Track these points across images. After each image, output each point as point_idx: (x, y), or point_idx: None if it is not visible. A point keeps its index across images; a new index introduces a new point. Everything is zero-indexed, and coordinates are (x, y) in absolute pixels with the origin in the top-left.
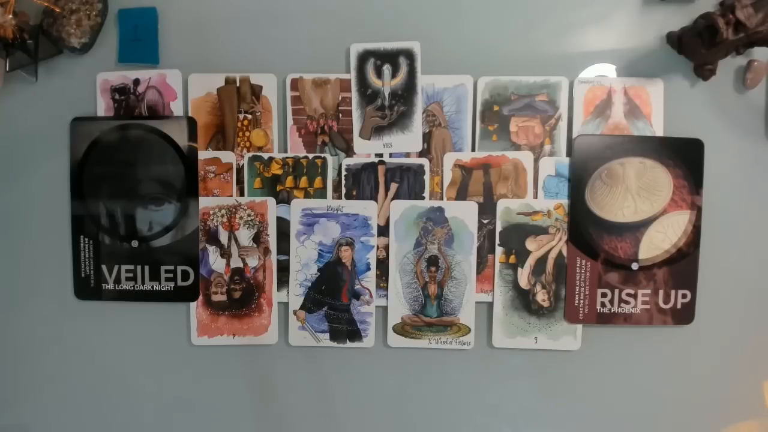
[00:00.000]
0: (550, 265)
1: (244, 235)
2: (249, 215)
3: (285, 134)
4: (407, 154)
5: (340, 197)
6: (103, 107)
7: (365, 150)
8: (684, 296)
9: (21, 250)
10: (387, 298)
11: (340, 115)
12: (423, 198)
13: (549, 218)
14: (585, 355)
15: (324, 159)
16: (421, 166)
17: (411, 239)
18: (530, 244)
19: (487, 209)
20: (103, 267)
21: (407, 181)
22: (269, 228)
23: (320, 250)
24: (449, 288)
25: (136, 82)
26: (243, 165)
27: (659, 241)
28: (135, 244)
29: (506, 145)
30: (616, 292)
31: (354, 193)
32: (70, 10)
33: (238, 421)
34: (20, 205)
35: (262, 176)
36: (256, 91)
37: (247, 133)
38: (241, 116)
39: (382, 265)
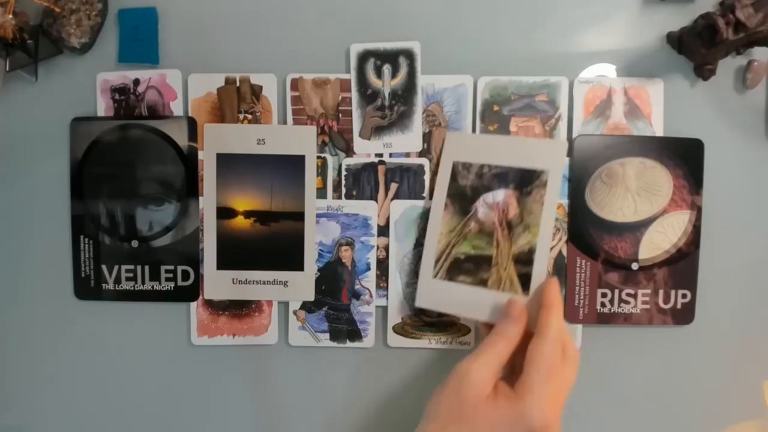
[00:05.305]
0: (550, 265)
1: None
2: None
3: None
4: (407, 154)
5: (340, 197)
6: (103, 107)
7: (365, 150)
8: (684, 296)
9: (21, 250)
10: (387, 298)
11: (340, 115)
12: (423, 198)
13: None
14: (585, 355)
15: (324, 159)
16: (421, 166)
17: (411, 239)
18: None
19: None
20: (103, 267)
21: (407, 181)
22: None
23: (320, 250)
24: None
25: (136, 82)
26: None
27: (659, 241)
28: (135, 244)
29: None
30: (616, 292)
31: (354, 193)
32: (70, 10)
33: (238, 421)
34: (20, 205)
35: None
36: (256, 91)
37: None
38: (241, 116)
39: (382, 265)
